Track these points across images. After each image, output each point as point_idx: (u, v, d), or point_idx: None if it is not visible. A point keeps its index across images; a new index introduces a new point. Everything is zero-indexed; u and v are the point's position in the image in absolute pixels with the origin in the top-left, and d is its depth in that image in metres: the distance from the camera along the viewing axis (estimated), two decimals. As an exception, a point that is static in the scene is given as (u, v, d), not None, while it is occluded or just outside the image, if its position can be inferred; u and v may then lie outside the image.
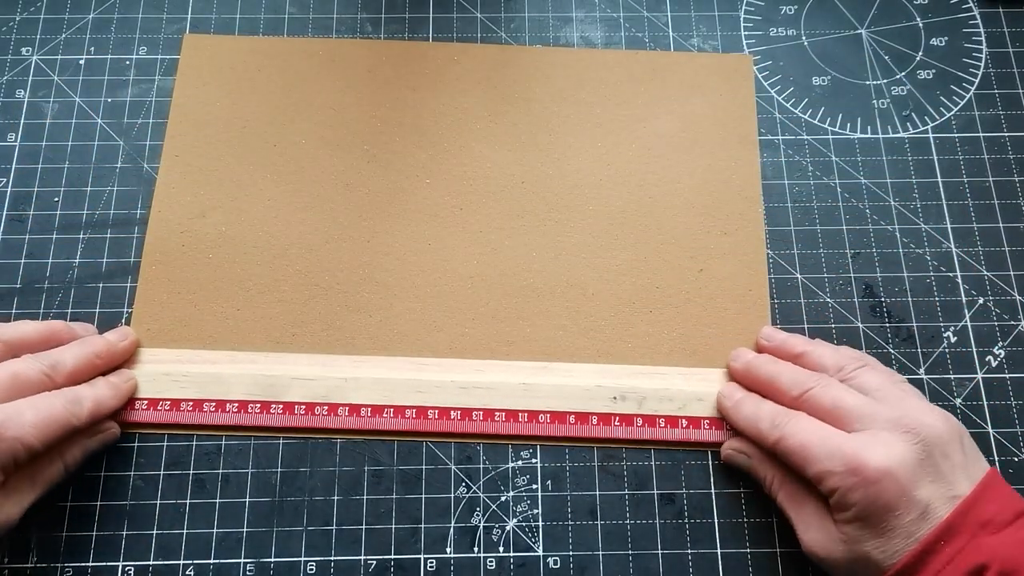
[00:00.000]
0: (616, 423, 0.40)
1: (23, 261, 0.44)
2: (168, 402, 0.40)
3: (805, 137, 0.47)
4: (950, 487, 0.33)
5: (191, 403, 0.40)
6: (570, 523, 0.39)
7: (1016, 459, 0.41)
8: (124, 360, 0.41)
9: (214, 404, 0.40)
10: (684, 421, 0.40)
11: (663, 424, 0.40)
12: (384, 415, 0.40)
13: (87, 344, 0.39)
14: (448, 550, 0.39)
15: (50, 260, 0.44)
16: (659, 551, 0.39)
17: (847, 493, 0.33)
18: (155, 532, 0.39)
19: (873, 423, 0.35)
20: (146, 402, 0.40)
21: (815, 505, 0.36)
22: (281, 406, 0.40)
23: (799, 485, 0.37)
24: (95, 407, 0.37)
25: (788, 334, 0.42)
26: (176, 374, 0.41)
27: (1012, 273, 0.44)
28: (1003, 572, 0.31)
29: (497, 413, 0.40)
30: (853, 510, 0.33)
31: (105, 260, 0.44)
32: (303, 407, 0.40)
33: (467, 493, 0.40)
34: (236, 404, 0.40)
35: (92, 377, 0.39)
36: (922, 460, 0.33)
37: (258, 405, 0.40)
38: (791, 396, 0.37)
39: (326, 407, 0.40)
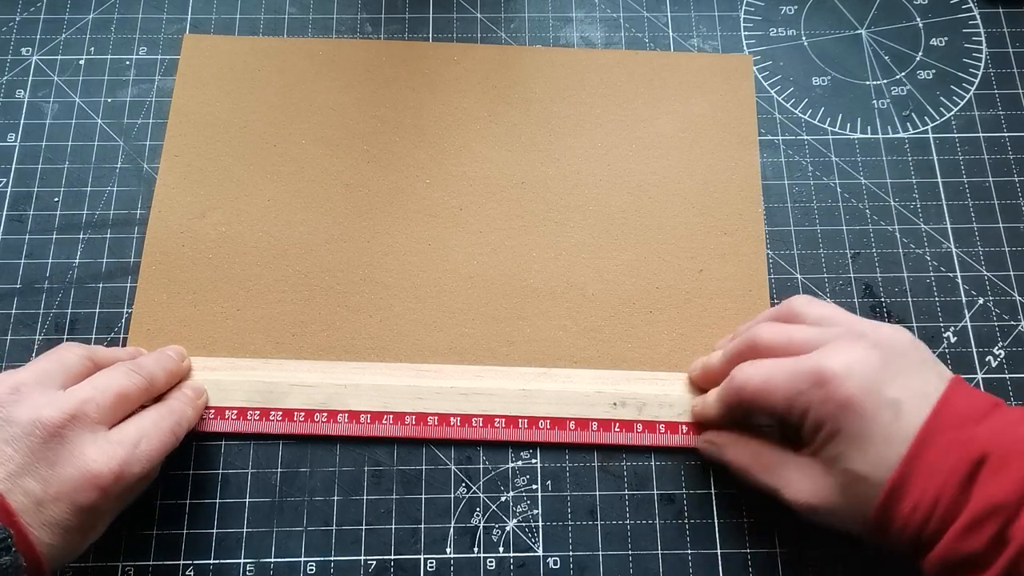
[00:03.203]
0: (616, 429, 0.40)
1: (23, 261, 0.44)
2: None
3: (805, 137, 0.47)
4: (918, 384, 0.32)
5: None
6: (570, 523, 0.39)
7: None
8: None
9: (213, 411, 0.40)
10: (684, 427, 0.40)
11: (663, 430, 0.40)
12: (384, 421, 0.40)
13: (167, 360, 0.39)
14: (448, 550, 0.39)
15: (50, 260, 0.44)
16: (659, 551, 0.39)
17: (818, 408, 0.33)
18: (155, 532, 0.39)
19: (825, 342, 0.34)
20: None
21: (792, 459, 0.35)
22: (280, 413, 0.40)
23: (772, 450, 0.36)
24: (189, 427, 0.38)
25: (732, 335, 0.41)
26: None
27: (1012, 273, 0.44)
28: (1002, 459, 0.30)
29: (497, 419, 0.40)
30: (828, 424, 0.33)
31: (105, 260, 0.44)
32: (302, 414, 0.40)
33: (467, 493, 0.40)
34: (235, 411, 0.40)
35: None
36: (883, 360, 0.33)
37: (257, 412, 0.40)
38: (748, 350, 0.37)
39: (325, 414, 0.40)
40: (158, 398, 0.38)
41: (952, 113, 0.48)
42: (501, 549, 0.39)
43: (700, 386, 0.41)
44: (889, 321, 0.43)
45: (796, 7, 0.50)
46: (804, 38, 0.50)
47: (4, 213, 0.44)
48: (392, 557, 0.39)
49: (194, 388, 0.40)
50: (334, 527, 0.39)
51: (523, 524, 0.39)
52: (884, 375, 0.32)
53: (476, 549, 0.39)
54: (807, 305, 0.37)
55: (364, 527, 0.39)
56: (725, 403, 0.37)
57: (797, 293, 0.44)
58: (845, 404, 0.32)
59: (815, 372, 0.33)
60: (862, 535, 0.33)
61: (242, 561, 0.38)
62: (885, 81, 0.48)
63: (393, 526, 0.39)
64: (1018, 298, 0.44)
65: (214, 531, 0.39)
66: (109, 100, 0.47)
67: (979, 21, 0.50)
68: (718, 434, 0.39)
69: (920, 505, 0.30)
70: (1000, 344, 0.43)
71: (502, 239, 0.44)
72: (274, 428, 0.40)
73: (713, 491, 0.40)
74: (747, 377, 0.35)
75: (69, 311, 0.43)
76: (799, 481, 0.34)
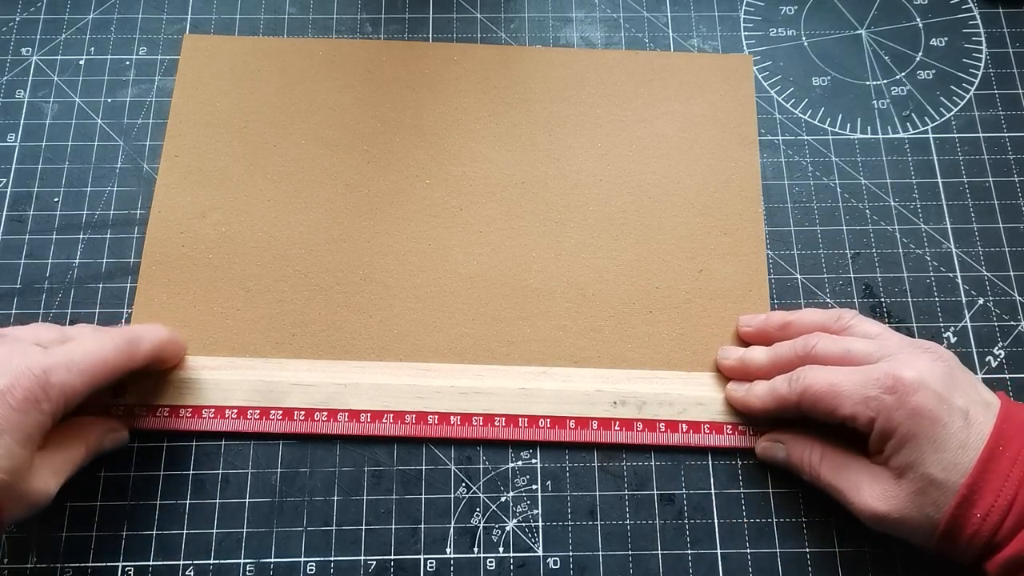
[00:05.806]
0: (616, 428, 0.40)
1: (23, 261, 0.44)
2: (167, 409, 0.40)
3: (805, 137, 0.47)
4: (978, 395, 0.34)
5: (190, 409, 0.40)
6: (570, 523, 0.39)
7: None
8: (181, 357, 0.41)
9: (213, 410, 0.40)
10: (684, 425, 0.40)
11: (663, 428, 0.40)
12: (384, 421, 0.40)
13: (160, 330, 0.38)
14: (448, 550, 0.39)
15: (50, 260, 0.44)
16: (659, 551, 0.39)
17: (890, 415, 0.33)
18: (155, 532, 0.39)
19: (884, 356, 0.35)
20: (145, 408, 0.40)
21: (861, 463, 0.36)
22: (280, 412, 0.40)
23: (839, 451, 0.36)
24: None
25: (765, 313, 0.42)
26: (175, 380, 0.40)
27: (1012, 273, 0.44)
28: None
29: (497, 418, 0.40)
30: (899, 431, 0.33)
31: (105, 260, 0.44)
32: (302, 413, 0.40)
33: (467, 493, 0.40)
34: (235, 410, 0.40)
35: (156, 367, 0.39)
36: (948, 372, 0.34)
37: (257, 411, 0.40)
38: (798, 358, 0.38)
39: (325, 413, 0.40)
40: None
41: (952, 113, 0.48)
42: (501, 549, 0.39)
43: (731, 376, 0.41)
44: (889, 322, 0.43)
45: (796, 7, 0.50)
46: (804, 38, 0.50)
47: (4, 213, 0.44)
48: (392, 557, 0.39)
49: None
50: (334, 527, 0.39)
51: (523, 524, 0.39)
52: (951, 385, 0.34)
53: (476, 549, 0.39)
54: (857, 319, 0.39)
55: (364, 527, 0.39)
56: (780, 398, 0.37)
57: (797, 293, 0.44)
58: (918, 411, 0.33)
59: (888, 379, 0.34)
60: (927, 543, 0.34)
61: (242, 561, 0.38)
62: (885, 81, 0.48)
63: (393, 526, 0.39)
64: (1018, 298, 0.44)
65: (214, 531, 0.39)
66: (109, 100, 0.47)
67: (979, 21, 0.50)
68: (782, 433, 0.39)
69: (996, 506, 0.31)
70: (1000, 344, 0.43)
71: (502, 239, 0.44)
72: (274, 427, 0.40)
73: (713, 491, 0.40)
74: (814, 379, 0.36)
75: (69, 311, 0.43)
76: (869, 487, 0.35)
